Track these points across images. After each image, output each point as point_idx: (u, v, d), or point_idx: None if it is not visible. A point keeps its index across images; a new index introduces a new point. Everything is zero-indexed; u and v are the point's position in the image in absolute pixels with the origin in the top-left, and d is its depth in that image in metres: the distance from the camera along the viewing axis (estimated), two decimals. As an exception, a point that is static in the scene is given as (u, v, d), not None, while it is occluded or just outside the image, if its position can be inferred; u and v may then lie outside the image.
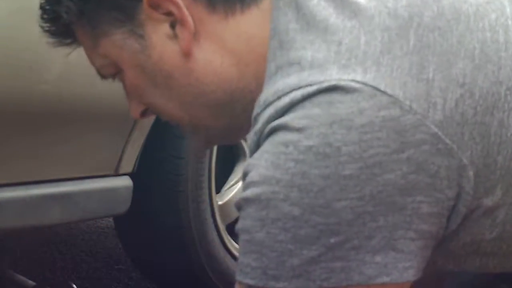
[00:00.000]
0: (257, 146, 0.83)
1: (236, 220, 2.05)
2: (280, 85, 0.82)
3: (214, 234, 2.01)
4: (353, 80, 0.79)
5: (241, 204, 0.82)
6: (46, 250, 2.50)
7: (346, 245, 0.78)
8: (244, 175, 0.83)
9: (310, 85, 0.80)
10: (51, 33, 0.98)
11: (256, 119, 0.84)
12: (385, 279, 0.79)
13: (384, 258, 0.78)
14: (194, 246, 1.95)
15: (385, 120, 0.78)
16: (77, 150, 1.64)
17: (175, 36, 0.91)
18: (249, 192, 0.81)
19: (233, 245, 2.08)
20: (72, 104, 1.57)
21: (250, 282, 0.81)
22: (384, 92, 0.78)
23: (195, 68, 0.92)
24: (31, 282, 1.82)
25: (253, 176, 0.81)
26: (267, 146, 0.81)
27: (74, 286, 1.71)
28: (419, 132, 0.78)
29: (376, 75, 0.79)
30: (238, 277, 0.83)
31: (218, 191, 2.07)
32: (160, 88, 0.95)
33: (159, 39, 0.92)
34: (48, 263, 2.37)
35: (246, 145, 2.13)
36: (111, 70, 0.98)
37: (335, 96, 0.78)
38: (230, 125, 0.97)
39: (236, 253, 2.07)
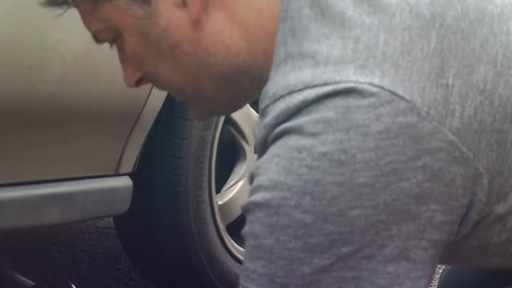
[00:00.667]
0: (264, 141, 0.81)
1: (236, 220, 2.05)
2: (292, 78, 0.79)
3: (214, 234, 2.00)
4: (370, 84, 0.76)
5: (249, 207, 0.80)
6: (46, 250, 2.49)
7: (358, 254, 0.76)
8: (252, 178, 0.81)
9: (326, 84, 0.77)
10: None
11: (265, 111, 0.81)
12: None
13: (396, 268, 0.77)
14: (194, 246, 1.95)
15: (402, 126, 0.76)
16: (77, 150, 1.63)
17: (183, 4, 0.88)
18: (259, 197, 0.78)
19: (233, 245, 2.07)
20: (72, 104, 1.56)
21: None
22: (402, 98, 0.76)
23: (203, 38, 0.89)
24: (30, 282, 1.80)
25: (263, 180, 0.78)
26: (278, 149, 0.78)
27: (74, 286, 1.70)
28: (435, 140, 0.76)
29: (395, 78, 0.77)
30: (244, 283, 0.81)
31: (218, 191, 2.06)
32: (164, 57, 0.91)
33: (167, 6, 0.88)
34: (48, 263, 2.36)
35: (246, 146, 2.13)
36: (109, 36, 0.93)
37: (352, 100, 0.76)
38: (233, 97, 0.95)
39: (236, 253, 2.06)
